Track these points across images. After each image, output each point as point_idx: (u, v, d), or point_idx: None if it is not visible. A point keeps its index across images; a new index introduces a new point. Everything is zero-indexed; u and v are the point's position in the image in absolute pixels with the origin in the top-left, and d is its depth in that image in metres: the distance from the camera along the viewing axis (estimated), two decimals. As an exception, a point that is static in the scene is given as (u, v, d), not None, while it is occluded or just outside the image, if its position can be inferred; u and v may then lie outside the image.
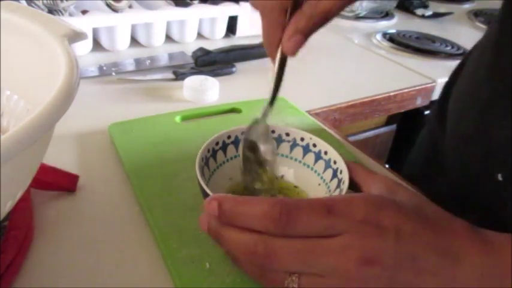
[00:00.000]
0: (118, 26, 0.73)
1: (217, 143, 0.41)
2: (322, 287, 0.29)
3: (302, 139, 0.43)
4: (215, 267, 0.35)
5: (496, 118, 0.41)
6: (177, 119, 0.55)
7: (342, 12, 1.21)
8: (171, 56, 0.75)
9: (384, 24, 1.14)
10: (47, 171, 0.41)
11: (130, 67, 0.70)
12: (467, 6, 1.43)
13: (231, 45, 0.76)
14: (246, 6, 0.85)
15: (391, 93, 0.75)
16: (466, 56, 0.54)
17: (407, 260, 0.28)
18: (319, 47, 0.92)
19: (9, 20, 0.36)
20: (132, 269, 0.36)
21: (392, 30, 1.07)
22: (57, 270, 0.35)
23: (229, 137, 0.42)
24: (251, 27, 0.89)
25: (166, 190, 0.43)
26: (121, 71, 0.68)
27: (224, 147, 0.42)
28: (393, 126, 0.91)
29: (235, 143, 0.42)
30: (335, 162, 0.40)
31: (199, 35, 0.87)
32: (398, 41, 0.98)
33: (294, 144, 0.43)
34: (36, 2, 0.67)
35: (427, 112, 0.88)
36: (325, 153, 0.41)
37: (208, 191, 0.34)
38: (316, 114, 0.64)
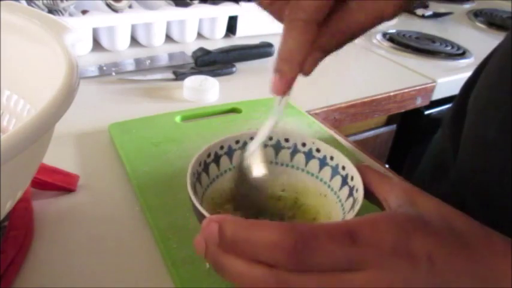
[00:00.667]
0: (118, 26, 0.73)
1: (209, 155, 0.37)
2: None
3: (304, 144, 0.38)
4: (215, 267, 0.35)
5: None
6: (177, 119, 0.55)
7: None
8: (171, 56, 0.75)
9: (383, 24, 1.13)
10: (47, 171, 0.41)
11: (130, 67, 0.70)
12: (467, 6, 1.43)
13: (231, 45, 0.76)
14: (246, 6, 0.85)
15: (391, 93, 0.75)
16: (486, 59, 0.52)
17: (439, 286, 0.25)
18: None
19: (9, 20, 0.36)
20: (132, 269, 0.36)
21: (392, 30, 1.06)
22: (57, 270, 0.35)
23: (221, 148, 0.38)
24: (251, 27, 0.89)
25: (166, 190, 0.43)
26: (121, 71, 0.68)
27: (217, 159, 0.38)
28: (393, 126, 0.91)
29: (229, 153, 0.38)
30: (344, 168, 0.36)
31: (199, 35, 0.87)
32: (398, 41, 0.98)
33: (294, 151, 0.39)
34: (36, 2, 0.67)
35: (427, 112, 0.88)
36: (331, 158, 0.37)
37: (204, 212, 0.30)
38: (316, 114, 0.64)
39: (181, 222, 0.39)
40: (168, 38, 0.83)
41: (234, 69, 0.73)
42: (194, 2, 0.83)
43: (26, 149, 0.23)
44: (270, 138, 0.39)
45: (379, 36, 1.01)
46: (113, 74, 0.67)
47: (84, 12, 0.71)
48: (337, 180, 0.36)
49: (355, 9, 0.32)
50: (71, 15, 0.71)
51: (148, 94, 0.63)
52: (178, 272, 0.34)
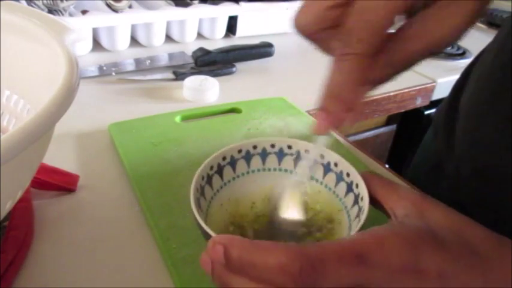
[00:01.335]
0: (118, 26, 0.73)
1: (211, 167, 0.36)
2: None
3: (306, 151, 0.37)
4: (215, 267, 0.35)
5: None
6: (177, 119, 0.55)
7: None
8: (171, 56, 0.75)
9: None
10: (47, 171, 0.41)
11: (130, 67, 0.70)
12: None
13: (231, 45, 0.76)
14: (246, 6, 0.85)
15: (391, 93, 0.75)
16: (475, 60, 0.52)
17: None
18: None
19: (9, 20, 0.36)
20: (131, 269, 0.36)
21: (392, 30, 1.06)
22: (57, 270, 0.35)
23: (224, 159, 0.37)
24: (251, 27, 0.89)
25: (166, 190, 0.43)
26: (121, 71, 0.68)
27: (220, 170, 0.37)
28: (393, 126, 0.91)
29: (232, 163, 0.37)
30: (348, 175, 0.35)
31: (199, 35, 0.87)
32: (398, 41, 0.98)
33: (297, 158, 0.38)
34: (36, 2, 0.67)
35: (427, 112, 0.88)
36: (335, 165, 0.36)
37: (209, 231, 0.29)
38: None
39: (181, 222, 0.39)
40: (168, 38, 0.83)
41: (234, 69, 0.73)
42: (194, 2, 0.83)
43: (26, 149, 0.23)
44: (272, 146, 0.38)
45: (379, 36, 1.01)
46: (113, 74, 0.67)
47: (84, 12, 0.71)
48: (342, 187, 0.35)
49: (413, 37, 0.30)
50: (71, 15, 0.71)
51: (148, 94, 0.63)
52: (178, 272, 0.34)
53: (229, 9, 0.84)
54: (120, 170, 0.46)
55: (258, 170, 0.38)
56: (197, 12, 0.80)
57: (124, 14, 0.73)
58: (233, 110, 0.59)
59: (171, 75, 0.68)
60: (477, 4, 0.28)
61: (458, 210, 0.28)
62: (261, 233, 0.36)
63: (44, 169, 0.41)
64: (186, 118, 0.56)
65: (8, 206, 0.29)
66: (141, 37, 0.79)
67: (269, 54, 0.79)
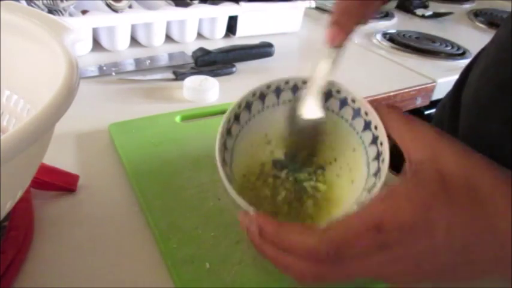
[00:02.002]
0: (118, 26, 0.73)
1: (239, 105, 0.40)
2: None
3: (353, 101, 0.40)
4: (215, 267, 0.35)
5: None
6: (177, 119, 0.55)
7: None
8: (171, 56, 0.75)
9: (384, 24, 1.14)
10: (47, 171, 0.41)
11: (130, 67, 0.70)
12: (467, 6, 1.43)
13: (231, 45, 0.76)
14: (246, 6, 0.85)
15: (391, 93, 0.75)
16: (476, 56, 0.53)
17: (457, 249, 0.27)
18: (319, 47, 0.91)
19: (9, 20, 0.36)
20: (132, 269, 0.36)
21: (393, 30, 1.07)
22: (57, 270, 0.35)
23: (254, 95, 0.41)
24: (251, 27, 0.89)
25: (166, 190, 0.43)
26: (121, 71, 0.68)
27: (248, 106, 0.40)
28: (393, 126, 0.90)
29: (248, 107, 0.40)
30: (376, 128, 0.36)
31: (199, 35, 0.87)
32: (399, 41, 0.98)
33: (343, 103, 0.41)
34: (36, 2, 0.67)
35: (427, 112, 0.88)
36: (366, 114, 0.38)
37: (244, 204, 0.32)
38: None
39: (182, 222, 0.39)
40: (168, 38, 0.83)
41: (234, 69, 0.73)
42: (194, 2, 0.83)
43: (26, 149, 0.23)
44: (284, 83, 0.41)
45: (379, 36, 1.01)
46: (113, 74, 0.67)
47: (84, 12, 0.71)
48: (368, 136, 0.37)
49: None
50: (71, 15, 0.71)
51: (148, 94, 0.63)
52: (178, 272, 0.34)
53: (229, 9, 0.84)
54: (120, 170, 0.46)
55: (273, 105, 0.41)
56: (197, 12, 0.80)
57: (124, 14, 0.73)
58: (233, 110, 0.59)
59: (171, 75, 0.68)
60: None
61: None
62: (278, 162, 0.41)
63: (44, 169, 0.41)
64: (186, 118, 0.56)
65: (8, 206, 0.29)
66: (141, 37, 0.79)
67: (269, 54, 0.79)
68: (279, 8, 0.89)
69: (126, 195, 0.43)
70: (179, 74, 0.68)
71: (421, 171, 0.29)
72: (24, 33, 0.35)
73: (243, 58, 0.76)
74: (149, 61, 0.72)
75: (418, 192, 0.28)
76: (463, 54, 0.97)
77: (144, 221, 0.40)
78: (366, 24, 0.37)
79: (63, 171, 0.42)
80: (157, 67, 0.71)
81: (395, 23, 1.17)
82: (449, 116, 0.52)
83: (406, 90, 0.78)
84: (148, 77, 0.67)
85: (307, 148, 0.40)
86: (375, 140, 0.36)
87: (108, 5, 0.74)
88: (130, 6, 0.75)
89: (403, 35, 1.03)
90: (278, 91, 0.40)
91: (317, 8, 1.17)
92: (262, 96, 0.40)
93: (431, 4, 1.36)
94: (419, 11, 1.27)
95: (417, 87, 0.80)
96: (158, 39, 0.80)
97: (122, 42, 0.76)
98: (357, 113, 0.38)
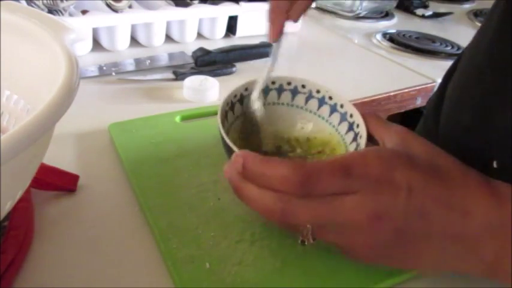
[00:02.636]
0: (118, 26, 0.73)
1: (235, 96, 0.44)
2: (334, 239, 0.31)
3: (318, 91, 0.45)
4: (215, 267, 0.35)
5: (497, 108, 0.41)
6: (177, 119, 0.55)
7: (342, 12, 1.21)
8: (171, 56, 0.75)
9: (383, 24, 1.14)
10: (47, 171, 0.41)
11: (130, 67, 0.70)
12: (467, 6, 1.43)
13: (231, 45, 0.76)
14: (246, 6, 0.85)
15: (391, 93, 0.75)
16: (463, 51, 0.55)
17: (415, 214, 0.29)
18: (319, 47, 0.92)
19: (9, 20, 0.36)
20: (132, 269, 0.36)
21: (392, 30, 1.07)
22: (57, 270, 0.35)
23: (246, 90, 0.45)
24: (251, 27, 0.89)
25: (166, 190, 0.43)
26: (121, 71, 0.68)
27: (241, 99, 0.45)
28: (393, 126, 0.90)
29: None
30: (351, 116, 0.41)
31: (199, 35, 0.87)
32: (398, 41, 0.98)
33: (309, 97, 0.45)
34: (36, 2, 0.67)
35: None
36: (341, 106, 0.43)
37: (233, 147, 0.35)
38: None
39: (181, 222, 0.39)
40: (168, 38, 0.83)
41: (234, 69, 0.73)
42: (194, 2, 0.83)
43: (26, 149, 0.23)
44: (289, 83, 0.46)
45: (379, 36, 1.01)
46: (113, 74, 0.67)
47: (84, 12, 0.71)
48: (344, 125, 0.42)
49: None
50: (71, 15, 0.71)
51: (148, 94, 0.63)
52: (178, 272, 0.34)
53: (229, 9, 0.84)
54: (120, 169, 0.46)
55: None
56: (197, 12, 0.80)
57: (124, 14, 0.73)
58: (233, 110, 0.59)
59: (171, 75, 0.68)
60: None
61: None
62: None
63: (44, 169, 0.41)
64: (186, 118, 0.56)
65: (8, 206, 0.29)
66: (141, 37, 0.79)
67: (269, 54, 0.78)
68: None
69: (126, 195, 0.43)
70: (179, 74, 0.68)
71: (393, 148, 0.34)
72: (24, 33, 0.35)
73: (243, 58, 0.76)
74: (149, 61, 0.72)
75: (387, 154, 0.31)
76: (462, 54, 0.97)
77: (144, 220, 0.40)
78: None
79: (63, 171, 0.42)
80: (157, 67, 0.71)
81: (395, 23, 1.17)
82: (433, 108, 0.54)
83: (406, 90, 0.78)
84: (149, 77, 0.67)
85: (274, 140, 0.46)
86: (347, 122, 0.42)
87: (108, 5, 0.74)
88: (130, 6, 0.75)
89: (403, 35, 1.03)
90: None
91: (317, 8, 1.17)
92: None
93: (431, 4, 1.36)
94: (419, 11, 1.27)
95: (417, 87, 0.80)
96: (158, 39, 0.80)
97: (122, 42, 0.76)
98: (322, 100, 0.45)
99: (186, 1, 0.82)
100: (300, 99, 0.45)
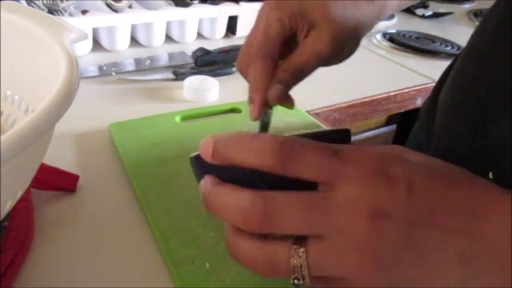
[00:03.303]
0: (118, 26, 0.73)
1: None
2: (332, 256, 0.24)
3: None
4: (215, 267, 0.35)
5: (492, 118, 0.40)
6: (177, 119, 0.55)
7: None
8: (171, 56, 0.75)
9: (383, 24, 1.14)
10: (47, 171, 0.41)
11: (130, 67, 0.70)
12: (467, 6, 1.43)
13: (231, 45, 0.76)
14: (246, 6, 0.85)
15: (391, 93, 0.75)
16: (457, 56, 0.55)
17: (422, 214, 0.24)
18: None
19: (9, 20, 0.36)
20: (132, 269, 0.36)
21: (392, 30, 1.07)
22: (57, 270, 0.35)
23: None
24: (251, 27, 0.89)
25: (166, 190, 0.43)
26: (121, 71, 0.68)
27: None
28: (393, 126, 0.91)
29: None
30: None
31: (199, 35, 0.87)
32: (398, 41, 0.98)
33: None
34: (36, 2, 0.67)
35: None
36: None
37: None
38: (316, 114, 0.64)
39: (182, 222, 0.39)
40: (168, 38, 0.83)
41: (234, 69, 0.73)
42: (194, 2, 0.83)
43: (26, 148, 0.23)
44: None
45: (379, 36, 1.01)
46: (113, 74, 0.67)
47: (84, 12, 0.72)
48: None
49: (297, 51, 0.41)
50: (71, 15, 0.71)
51: (148, 94, 0.63)
52: (178, 272, 0.34)
53: (229, 9, 0.84)
54: (120, 170, 0.46)
55: None
56: (197, 12, 0.81)
57: (124, 14, 0.73)
58: (233, 110, 0.59)
59: (171, 75, 0.68)
60: (334, 33, 0.40)
61: None
62: None
63: (44, 169, 0.41)
64: (186, 118, 0.56)
65: (8, 206, 0.29)
66: (141, 37, 0.79)
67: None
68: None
69: (126, 195, 0.43)
70: (179, 74, 0.68)
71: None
72: (25, 33, 0.35)
73: (243, 58, 0.76)
74: (149, 61, 0.72)
75: (383, 150, 0.27)
76: (463, 54, 0.97)
77: (144, 221, 0.40)
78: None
79: (63, 171, 0.42)
80: (157, 67, 0.71)
81: (395, 23, 1.17)
82: (426, 115, 0.54)
83: (406, 90, 0.78)
84: (148, 77, 0.67)
85: None
86: None
87: (108, 5, 0.74)
88: (130, 6, 0.75)
89: (403, 35, 1.03)
90: None
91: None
92: None
93: (431, 4, 1.36)
94: (419, 11, 1.27)
95: (417, 87, 0.80)
96: (158, 39, 0.80)
97: (122, 42, 0.76)
98: None
99: (186, 1, 0.81)
100: None
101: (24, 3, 0.66)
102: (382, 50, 0.95)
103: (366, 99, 0.72)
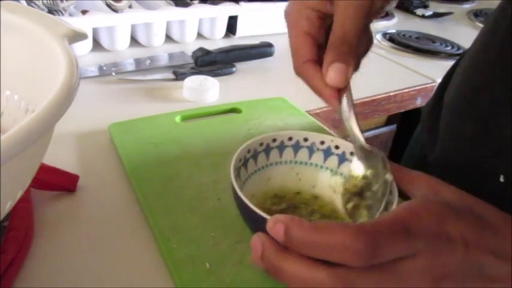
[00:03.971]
0: (118, 26, 0.73)
1: (248, 151, 0.38)
2: None
3: (322, 143, 0.40)
4: (215, 267, 0.35)
5: (505, 119, 0.40)
6: (177, 119, 0.55)
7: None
8: (171, 56, 0.75)
9: (383, 24, 1.14)
10: (47, 171, 0.41)
11: (130, 67, 0.70)
12: (467, 6, 1.43)
13: (231, 45, 0.76)
14: (246, 6, 0.85)
15: (391, 93, 0.75)
16: (461, 56, 0.54)
17: (474, 270, 0.27)
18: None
19: (9, 20, 0.36)
20: (132, 269, 0.36)
21: (392, 30, 1.06)
22: (57, 270, 0.35)
23: (261, 144, 0.39)
24: (251, 27, 0.89)
25: (166, 190, 0.43)
26: (121, 71, 0.68)
27: (255, 155, 0.39)
28: (393, 126, 0.91)
29: (267, 151, 0.40)
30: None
31: (199, 35, 0.87)
32: (398, 41, 0.98)
33: (312, 149, 0.41)
34: (36, 2, 0.67)
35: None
36: (351, 154, 0.39)
37: (261, 213, 0.30)
38: (316, 114, 0.64)
39: (181, 222, 0.39)
40: (168, 38, 0.83)
41: (234, 69, 0.73)
42: (194, 2, 0.83)
43: (26, 149, 0.23)
44: (290, 139, 0.40)
45: (379, 36, 1.01)
46: (113, 74, 0.67)
47: (84, 12, 0.71)
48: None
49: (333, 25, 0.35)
50: (71, 15, 0.71)
51: (148, 94, 0.63)
52: (178, 272, 0.34)
53: (229, 9, 0.84)
54: (120, 170, 0.46)
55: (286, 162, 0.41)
56: (197, 12, 0.80)
57: (124, 14, 0.73)
58: (233, 110, 0.59)
59: (171, 75, 0.68)
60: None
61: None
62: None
63: (44, 169, 0.41)
64: (186, 118, 0.56)
65: (8, 206, 0.29)
66: (141, 37, 0.79)
67: (269, 54, 0.79)
68: (279, 8, 0.89)
69: (126, 195, 0.43)
70: (179, 74, 0.68)
71: (427, 197, 0.31)
72: (25, 33, 0.35)
73: (243, 58, 0.76)
74: (149, 61, 0.72)
75: (434, 207, 0.28)
76: (462, 54, 0.97)
77: (144, 221, 0.40)
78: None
79: (63, 171, 0.42)
80: (157, 67, 0.71)
81: (395, 23, 1.17)
82: (430, 115, 0.53)
83: (406, 90, 0.78)
84: (148, 77, 0.67)
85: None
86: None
87: (108, 5, 0.74)
88: (130, 6, 0.75)
89: (403, 35, 1.03)
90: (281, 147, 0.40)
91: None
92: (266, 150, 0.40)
93: (431, 4, 1.36)
94: (419, 11, 1.27)
95: (417, 87, 0.80)
96: (158, 39, 0.80)
97: (122, 42, 0.76)
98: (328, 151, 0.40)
99: (186, 1, 0.81)
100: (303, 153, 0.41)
101: (24, 3, 0.66)
102: (382, 50, 0.95)
103: (365, 99, 0.72)
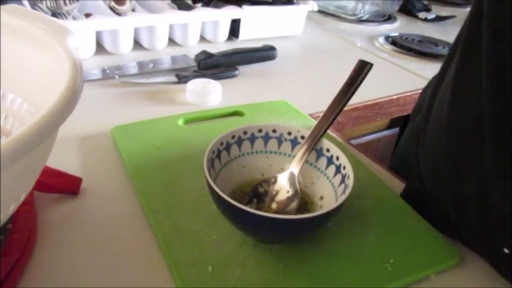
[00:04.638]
0: (121, 30, 0.74)
1: (221, 143, 0.42)
2: None
3: (289, 133, 0.44)
4: (217, 270, 0.35)
5: (496, 184, 0.35)
6: (180, 122, 0.55)
7: (345, 16, 1.21)
8: (173, 59, 0.75)
9: (386, 28, 1.14)
10: (50, 174, 0.41)
11: (133, 70, 0.70)
12: (469, 9, 1.43)
13: (234, 49, 0.76)
14: (248, 10, 0.85)
15: (394, 97, 0.75)
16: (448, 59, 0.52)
17: None
18: (322, 50, 0.92)
19: (12, 24, 0.36)
20: (134, 272, 0.36)
21: (395, 34, 1.07)
22: (60, 273, 0.35)
23: (233, 137, 0.43)
24: (254, 30, 0.89)
25: (168, 193, 0.43)
26: (124, 74, 0.68)
27: (228, 147, 0.43)
28: (396, 130, 0.90)
29: (239, 142, 0.43)
30: (337, 158, 0.41)
31: (202, 38, 0.87)
32: (401, 44, 0.98)
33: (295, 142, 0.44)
34: (40, 5, 0.68)
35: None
36: (327, 150, 0.42)
37: (222, 194, 0.34)
38: (319, 117, 0.64)
39: (184, 225, 0.39)
40: (171, 41, 0.83)
41: (236, 72, 0.73)
42: (197, 5, 0.83)
43: (29, 152, 0.23)
44: (274, 131, 0.44)
45: (381, 40, 1.01)
46: (116, 77, 0.67)
47: (87, 15, 0.72)
48: (332, 168, 0.42)
49: None
50: (74, 18, 0.71)
51: (151, 97, 0.64)
52: (181, 275, 0.34)
53: (232, 12, 0.84)
54: (123, 172, 0.46)
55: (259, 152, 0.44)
56: (200, 15, 0.81)
57: (127, 17, 0.74)
58: (236, 113, 0.59)
59: (174, 79, 0.68)
60: None
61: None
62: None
63: (47, 172, 0.41)
64: (189, 121, 0.56)
65: (11, 208, 0.29)
66: (144, 40, 0.80)
67: (272, 57, 0.79)
68: (282, 12, 0.89)
69: (128, 198, 0.43)
70: (182, 77, 0.68)
71: None
72: (28, 37, 0.35)
73: (246, 61, 0.76)
74: (152, 64, 0.72)
75: None
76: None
77: (146, 223, 0.40)
78: None
79: (66, 174, 0.42)
80: (160, 70, 0.71)
81: (397, 26, 1.17)
82: (429, 100, 0.52)
83: (409, 94, 0.78)
84: (151, 80, 0.67)
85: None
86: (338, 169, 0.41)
87: (112, 9, 0.74)
88: (133, 10, 0.76)
89: (406, 38, 1.03)
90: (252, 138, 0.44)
91: (319, 12, 1.17)
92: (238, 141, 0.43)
93: (434, 7, 1.36)
94: (421, 15, 1.27)
95: (419, 91, 0.79)
96: (161, 42, 0.80)
97: (125, 45, 0.76)
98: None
99: (189, 4, 0.82)
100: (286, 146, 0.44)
101: (28, 6, 0.67)
102: (385, 53, 0.95)
103: (368, 103, 0.72)
